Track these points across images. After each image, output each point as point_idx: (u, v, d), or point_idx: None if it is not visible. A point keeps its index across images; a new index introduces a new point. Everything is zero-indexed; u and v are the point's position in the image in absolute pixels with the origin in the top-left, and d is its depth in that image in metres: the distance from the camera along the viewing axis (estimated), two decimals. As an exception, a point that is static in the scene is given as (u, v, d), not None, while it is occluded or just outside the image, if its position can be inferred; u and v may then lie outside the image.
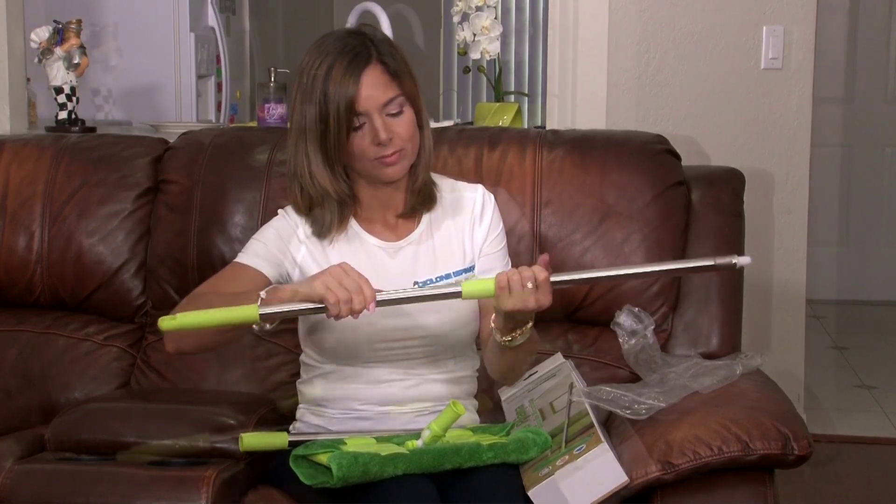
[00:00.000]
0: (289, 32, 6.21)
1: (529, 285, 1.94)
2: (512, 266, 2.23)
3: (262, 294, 1.92)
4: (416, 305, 2.12)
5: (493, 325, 2.09)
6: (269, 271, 2.15)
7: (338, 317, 1.90)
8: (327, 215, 2.16)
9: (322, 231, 2.17)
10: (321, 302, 1.89)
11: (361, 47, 2.10)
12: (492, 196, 2.30)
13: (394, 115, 2.11)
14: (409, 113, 2.13)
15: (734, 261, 1.95)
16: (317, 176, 2.13)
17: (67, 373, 2.64)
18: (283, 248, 2.18)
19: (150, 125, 3.92)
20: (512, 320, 2.03)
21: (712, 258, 1.99)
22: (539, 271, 1.95)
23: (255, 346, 2.57)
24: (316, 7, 6.83)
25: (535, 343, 2.16)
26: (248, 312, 1.90)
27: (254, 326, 1.93)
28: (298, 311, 1.94)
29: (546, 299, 1.95)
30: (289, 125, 2.20)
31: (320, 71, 2.08)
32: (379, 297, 1.91)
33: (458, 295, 1.95)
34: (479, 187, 2.30)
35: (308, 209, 2.18)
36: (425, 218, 2.24)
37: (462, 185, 2.31)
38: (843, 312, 6.04)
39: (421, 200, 2.22)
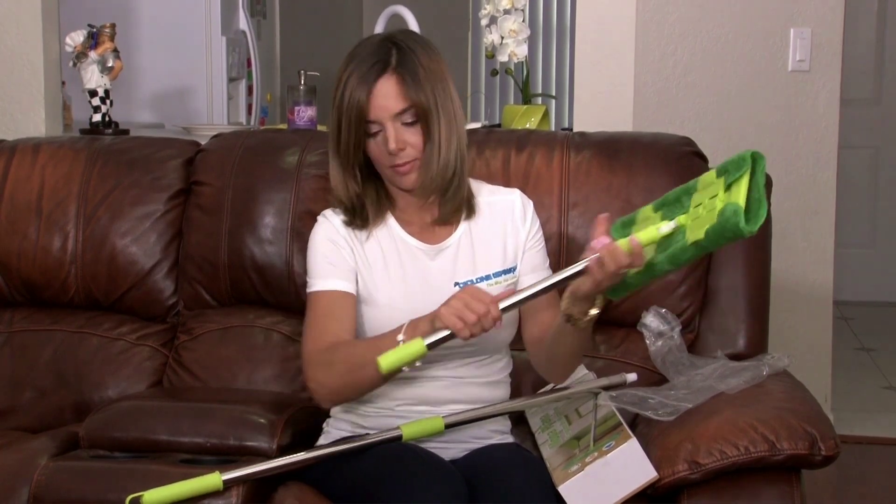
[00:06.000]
0: (319, 36, 6.24)
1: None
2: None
3: (401, 337, 1.98)
4: None
5: (564, 311, 2.02)
6: (350, 287, 2.17)
7: (468, 338, 1.94)
8: (363, 213, 2.19)
9: (356, 226, 2.19)
10: (452, 329, 1.93)
11: (384, 55, 2.10)
12: (530, 200, 2.30)
13: (409, 125, 2.11)
14: (426, 123, 2.12)
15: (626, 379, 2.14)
16: (332, 178, 2.19)
17: (101, 372, 2.67)
18: (342, 254, 2.19)
19: (182, 128, 3.94)
20: (586, 301, 1.99)
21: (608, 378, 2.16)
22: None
23: (286, 345, 2.59)
24: (345, 10, 6.86)
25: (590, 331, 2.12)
26: (211, 481, 2.03)
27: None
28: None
29: (639, 261, 1.92)
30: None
31: (343, 77, 2.12)
32: (502, 305, 1.95)
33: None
34: (517, 191, 2.30)
35: (344, 210, 2.21)
36: (463, 222, 2.23)
37: (499, 188, 2.31)
38: (871, 314, 6.01)
39: (455, 209, 2.21)
